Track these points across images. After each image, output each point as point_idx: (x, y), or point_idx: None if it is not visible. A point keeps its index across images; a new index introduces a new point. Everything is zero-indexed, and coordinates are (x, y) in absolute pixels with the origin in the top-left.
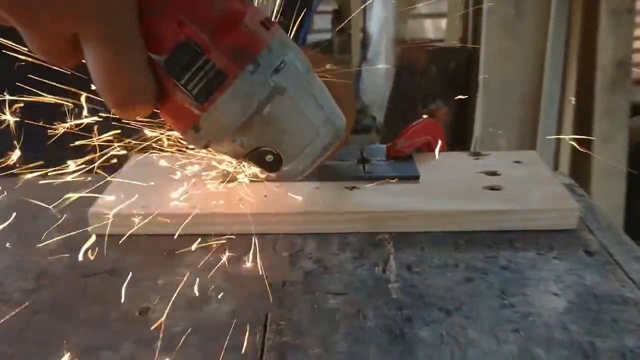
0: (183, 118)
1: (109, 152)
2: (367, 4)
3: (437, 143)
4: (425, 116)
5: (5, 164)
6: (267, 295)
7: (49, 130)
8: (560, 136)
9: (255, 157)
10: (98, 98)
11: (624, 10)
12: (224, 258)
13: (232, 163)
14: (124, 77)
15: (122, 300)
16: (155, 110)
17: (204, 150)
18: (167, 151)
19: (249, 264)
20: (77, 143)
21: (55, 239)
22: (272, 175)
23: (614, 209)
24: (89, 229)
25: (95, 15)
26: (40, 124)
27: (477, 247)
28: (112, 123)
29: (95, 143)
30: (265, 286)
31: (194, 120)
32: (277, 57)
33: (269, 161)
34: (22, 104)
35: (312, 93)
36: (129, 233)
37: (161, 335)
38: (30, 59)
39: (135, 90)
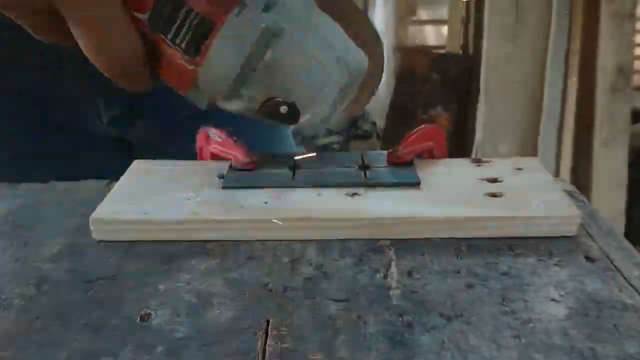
0: (181, 77)
1: None
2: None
3: (438, 149)
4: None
5: None
6: (268, 301)
7: None
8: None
9: (269, 110)
10: None
11: (624, 16)
12: (225, 264)
13: None
14: (108, 39)
15: (123, 306)
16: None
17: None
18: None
19: (250, 270)
20: None
21: (56, 244)
22: (291, 127)
23: (615, 215)
24: (91, 234)
25: None
26: None
27: (478, 254)
28: None
29: None
30: (266, 292)
31: (191, 77)
32: None
33: (284, 113)
34: None
35: (317, 31)
36: (130, 239)
37: (162, 341)
38: None
39: (122, 50)
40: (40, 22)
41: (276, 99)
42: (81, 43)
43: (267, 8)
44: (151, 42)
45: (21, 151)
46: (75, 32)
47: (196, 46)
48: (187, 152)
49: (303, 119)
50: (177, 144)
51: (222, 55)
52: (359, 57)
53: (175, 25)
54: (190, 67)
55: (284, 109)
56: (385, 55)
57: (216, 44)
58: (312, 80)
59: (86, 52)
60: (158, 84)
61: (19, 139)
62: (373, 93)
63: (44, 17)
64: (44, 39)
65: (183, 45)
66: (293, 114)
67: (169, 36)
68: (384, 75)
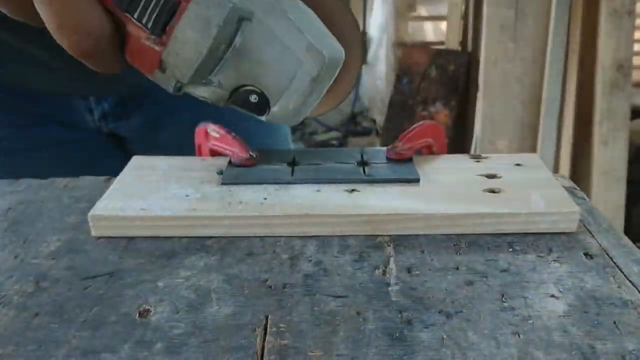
0: (146, 58)
1: None
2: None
3: (437, 145)
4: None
5: None
6: (267, 297)
7: None
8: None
9: (239, 99)
10: None
11: (624, 12)
12: (224, 260)
13: None
14: (72, 12)
15: (122, 302)
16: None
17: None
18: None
19: (249, 267)
20: None
21: (55, 241)
22: (263, 119)
23: (614, 212)
24: (90, 231)
25: None
26: None
27: (478, 250)
28: None
29: None
30: (265, 289)
31: (157, 58)
32: None
33: (255, 102)
34: None
35: (289, 16)
36: (129, 235)
37: (161, 338)
38: None
39: (87, 26)
40: None
41: (246, 87)
42: (45, 18)
43: None
44: (117, 21)
45: (13, 146)
46: (40, 6)
47: (162, 26)
48: (179, 146)
49: (274, 109)
50: (169, 139)
51: (188, 36)
52: (334, 47)
53: (142, 4)
54: (156, 48)
55: (254, 97)
56: (362, 47)
57: (182, 24)
58: (282, 69)
59: (50, 28)
60: (126, 65)
61: (10, 134)
62: (351, 88)
63: None
64: (14, 16)
65: (149, 25)
66: (262, 104)
67: (135, 15)
68: (384, 71)
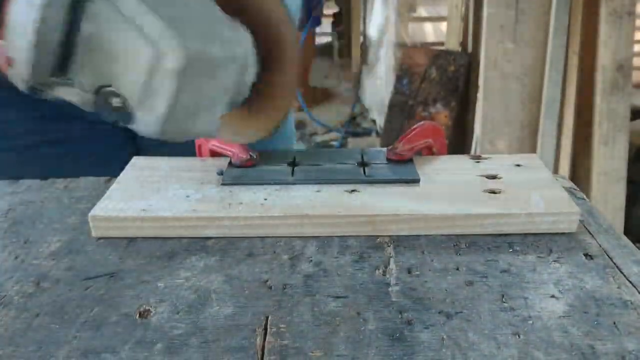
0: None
1: None
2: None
3: (438, 146)
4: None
5: None
6: (268, 298)
7: None
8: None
9: (102, 102)
10: None
11: (624, 13)
12: (225, 261)
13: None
14: None
15: (123, 303)
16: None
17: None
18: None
19: (249, 267)
20: None
21: (56, 241)
22: (129, 126)
23: (614, 212)
24: (90, 231)
25: None
26: None
27: (478, 251)
28: None
29: None
30: (265, 289)
31: (5, 53)
32: None
33: (118, 106)
34: None
35: None
36: (129, 236)
37: (161, 338)
38: None
39: None
40: None
41: (107, 88)
42: None
43: None
44: None
45: (28, 141)
46: None
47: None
48: (189, 144)
49: (139, 114)
50: None
51: (18, 22)
52: (221, 34)
53: None
54: (2, 42)
55: (116, 101)
56: (296, 43)
57: (11, 10)
58: (137, 61)
59: None
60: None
61: (28, 130)
62: (290, 103)
63: None
64: None
65: None
66: (126, 110)
67: None
68: (384, 71)
